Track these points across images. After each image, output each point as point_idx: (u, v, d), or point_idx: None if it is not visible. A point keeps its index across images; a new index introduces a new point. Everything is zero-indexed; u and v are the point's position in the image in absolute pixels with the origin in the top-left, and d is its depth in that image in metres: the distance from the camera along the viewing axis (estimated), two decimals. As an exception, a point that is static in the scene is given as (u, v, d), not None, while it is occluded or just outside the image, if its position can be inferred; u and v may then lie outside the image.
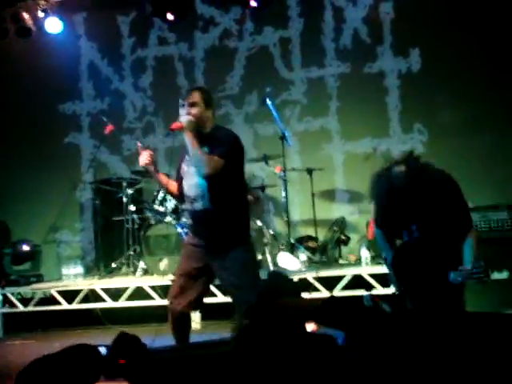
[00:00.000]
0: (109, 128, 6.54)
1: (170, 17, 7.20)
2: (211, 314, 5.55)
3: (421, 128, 6.89)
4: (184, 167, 3.66)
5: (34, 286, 6.36)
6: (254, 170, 6.83)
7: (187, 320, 3.71)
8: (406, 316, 1.93)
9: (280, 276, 2.70)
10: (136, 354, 1.80)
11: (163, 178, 3.79)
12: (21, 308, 6.08)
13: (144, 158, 3.65)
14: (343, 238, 6.50)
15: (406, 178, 3.12)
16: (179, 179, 3.74)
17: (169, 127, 3.54)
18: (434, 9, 6.78)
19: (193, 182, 3.55)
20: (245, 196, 3.77)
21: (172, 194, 3.85)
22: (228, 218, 3.51)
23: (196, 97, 3.53)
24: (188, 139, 3.43)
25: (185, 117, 3.49)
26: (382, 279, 5.21)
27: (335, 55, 7.24)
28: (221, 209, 3.49)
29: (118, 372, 1.76)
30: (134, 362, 1.79)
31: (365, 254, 5.90)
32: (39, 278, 6.62)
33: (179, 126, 3.47)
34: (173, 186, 3.78)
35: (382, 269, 5.25)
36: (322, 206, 6.65)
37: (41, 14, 7.39)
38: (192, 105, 3.52)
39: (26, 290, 6.35)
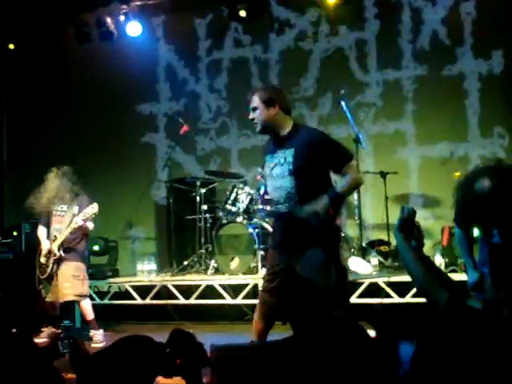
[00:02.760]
0: (184, 129, 6.70)
1: (242, 13, 7.27)
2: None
3: (501, 132, 6.64)
4: (266, 169, 3.63)
5: (110, 280, 6.58)
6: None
7: (274, 316, 3.69)
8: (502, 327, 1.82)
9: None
10: (192, 353, 1.81)
11: None
12: (97, 300, 6.29)
13: None
14: (417, 243, 6.34)
15: (492, 193, 2.99)
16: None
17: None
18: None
19: (277, 184, 3.50)
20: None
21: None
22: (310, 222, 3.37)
23: (255, 101, 3.52)
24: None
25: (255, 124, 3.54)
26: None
27: (412, 57, 7.09)
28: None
29: (175, 371, 1.78)
30: (190, 360, 1.80)
31: (438, 260, 5.74)
32: (115, 273, 6.82)
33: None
34: None
35: (456, 276, 5.11)
36: (395, 210, 6.51)
37: (122, 18, 7.64)
38: (253, 109, 3.53)
39: (102, 284, 6.57)
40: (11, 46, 8.09)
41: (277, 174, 3.50)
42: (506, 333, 1.79)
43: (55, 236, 5.23)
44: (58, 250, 5.18)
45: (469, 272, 3.61)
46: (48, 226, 5.38)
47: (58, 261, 5.20)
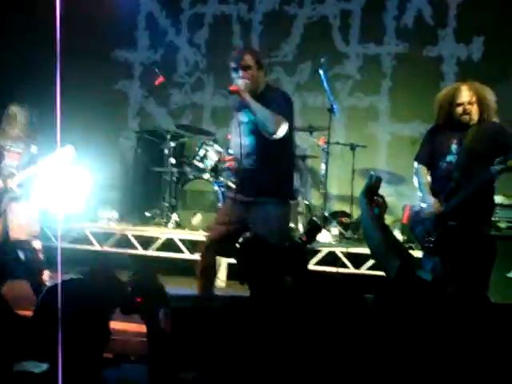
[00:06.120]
0: (159, 79, 6.58)
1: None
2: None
3: (472, 118, 6.73)
4: (232, 126, 3.76)
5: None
6: (297, 140, 6.78)
7: (214, 269, 3.83)
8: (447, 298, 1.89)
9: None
10: (153, 294, 1.82)
11: None
12: (55, 243, 6.24)
13: None
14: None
15: None
16: None
17: (227, 88, 3.59)
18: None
19: (240, 141, 3.60)
20: (292, 155, 3.82)
21: None
22: (273, 176, 3.60)
23: (248, 60, 3.58)
24: (248, 101, 3.50)
25: (241, 81, 3.54)
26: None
27: (395, 34, 7.08)
28: (267, 167, 3.57)
29: (134, 309, 1.79)
30: (150, 301, 1.80)
31: (397, 236, 5.85)
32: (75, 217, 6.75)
33: (236, 90, 3.51)
34: None
35: (413, 253, 5.23)
36: (360, 183, 6.56)
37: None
38: (245, 68, 3.56)
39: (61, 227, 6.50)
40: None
41: (242, 132, 3.61)
42: (450, 305, 1.86)
43: (12, 173, 5.08)
44: (17, 187, 5.06)
45: None
46: None
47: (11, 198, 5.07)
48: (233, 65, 3.61)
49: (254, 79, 3.57)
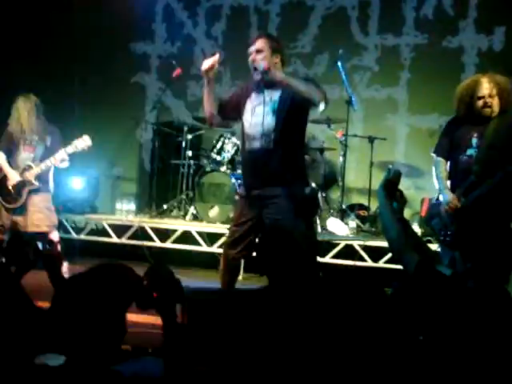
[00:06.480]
0: (177, 72, 6.57)
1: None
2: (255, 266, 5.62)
3: (493, 110, 6.64)
4: (249, 105, 3.65)
5: (88, 215, 6.58)
6: (314, 132, 6.76)
7: (238, 268, 3.82)
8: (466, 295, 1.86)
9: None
10: (170, 288, 1.82)
11: (210, 93, 3.75)
12: (73, 235, 6.30)
13: (208, 63, 3.62)
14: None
15: None
16: (224, 104, 3.77)
17: (262, 69, 3.48)
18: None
19: (258, 120, 3.55)
20: (303, 144, 3.84)
21: (205, 111, 3.83)
22: (286, 160, 3.54)
23: (261, 43, 3.54)
24: (283, 77, 3.45)
25: (260, 62, 3.48)
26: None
27: (414, 25, 7.00)
28: (285, 149, 3.54)
29: (151, 304, 1.78)
30: (166, 295, 1.80)
31: (416, 230, 5.80)
32: (93, 209, 6.81)
33: (267, 68, 3.45)
34: (211, 104, 3.77)
35: (431, 247, 5.18)
36: (378, 176, 6.53)
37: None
38: (258, 52, 3.53)
39: (79, 219, 6.56)
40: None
41: (260, 112, 3.55)
42: (470, 301, 1.83)
43: (29, 165, 5.10)
44: (35, 179, 5.08)
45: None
46: (8, 153, 5.21)
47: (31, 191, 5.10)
48: (250, 49, 3.59)
49: (267, 63, 3.48)
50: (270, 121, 3.51)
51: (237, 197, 4.40)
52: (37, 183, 5.04)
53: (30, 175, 5.03)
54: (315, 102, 3.43)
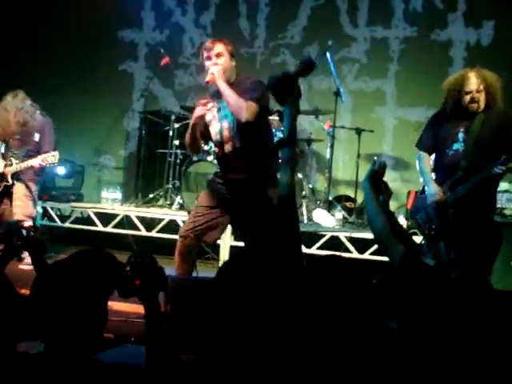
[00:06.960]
0: (165, 60, 6.50)
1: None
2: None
3: (480, 104, 6.67)
4: (210, 115, 3.75)
5: (73, 204, 6.53)
6: (302, 123, 6.75)
7: (194, 254, 3.85)
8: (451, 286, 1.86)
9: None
10: (152, 276, 1.80)
11: (197, 133, 3.81)
12: (58, 223, 6.25)
13: (201, 111, 3.70)
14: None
15: None
16: (204, 133, 3.86)
17: (204, 81, 3.63)
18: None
19: (221, 125, 3.69)
20: (269, 138, 3.94)
21: (188, 143, 3.86)
22: (255, 158, 3.64)
23: (221, 48, 3.62)
24: (223, 87, 3.53)
25: (215, 67, 3.56)
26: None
27: (403, 17, 7.00)
28: (248, 149, 3.64)
29: (133, 291, 1.77)
30: (149, 283, 1.79)
31: (401, 222, 5.83)
32: (79, 198, 6.76)
33: (212, 78, 3.56)
34: (197, 140, 3.85)
35: (417, 239, 5.20)
36: (365, 168, 6.52)
37: None
38: (218, 56, 3.61)
39: (65, 207, 6.51)
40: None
41: (222, 116, 3.69)
42: (453, 291, 1.84)
43: (11, 160, 5.14)
44: (12, 177, 5.13)
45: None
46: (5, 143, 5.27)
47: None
48: (205, 54, 3.65)
49: (227, 68, 3.60)
50: (227, 125, 3.65)
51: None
52: (11, 181, 5.10)
53: (8, 172, 5.13)
54: (241, 118, 3.52)
